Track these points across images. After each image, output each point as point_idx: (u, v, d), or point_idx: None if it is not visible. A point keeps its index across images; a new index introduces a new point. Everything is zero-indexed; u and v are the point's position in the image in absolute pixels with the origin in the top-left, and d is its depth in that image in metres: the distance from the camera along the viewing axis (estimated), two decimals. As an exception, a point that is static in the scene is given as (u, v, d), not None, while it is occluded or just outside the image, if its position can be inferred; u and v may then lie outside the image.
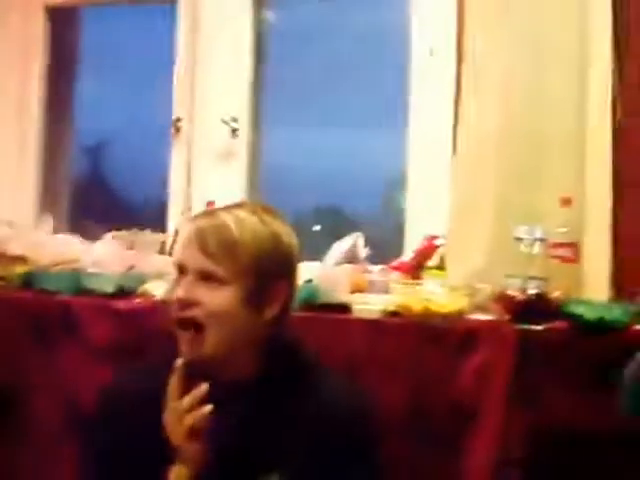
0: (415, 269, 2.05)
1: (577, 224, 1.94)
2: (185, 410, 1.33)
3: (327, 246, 2.19)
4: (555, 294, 1.77)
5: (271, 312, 1.41)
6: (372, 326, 1.78)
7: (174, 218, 2.56)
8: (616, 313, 1.69)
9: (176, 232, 2.29)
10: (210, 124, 2.63)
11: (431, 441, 1.70)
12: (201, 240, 1.38)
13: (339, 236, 2.23)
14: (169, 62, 2.67)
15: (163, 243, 2.24)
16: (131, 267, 2.01)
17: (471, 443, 1.67)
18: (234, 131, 2.61)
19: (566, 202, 1.90)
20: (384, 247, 2.31)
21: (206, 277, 1.37)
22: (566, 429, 1.66)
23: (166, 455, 1.34)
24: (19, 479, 1.87)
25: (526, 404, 1.67)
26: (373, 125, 2.60)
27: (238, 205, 1.47)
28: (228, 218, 1.40)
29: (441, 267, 2.03)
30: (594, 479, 1.66)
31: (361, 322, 1.80)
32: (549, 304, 1.75)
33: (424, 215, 2.31)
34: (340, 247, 2.19)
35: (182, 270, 1.40)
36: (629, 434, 1.59)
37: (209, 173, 2.62)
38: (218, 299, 1.36)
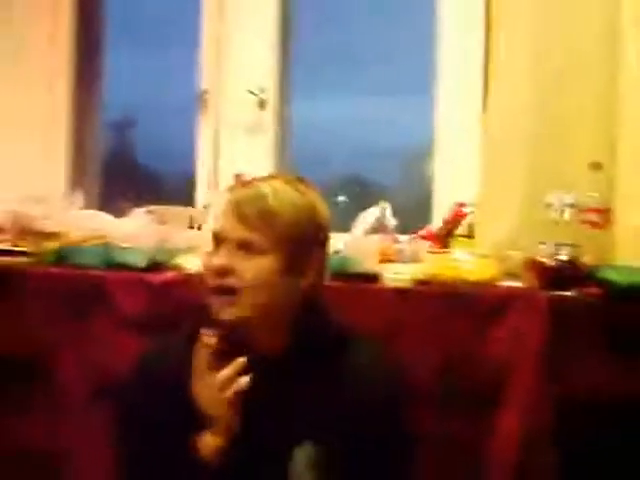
0: (444, 237, 2.04)
1: (608, 189, 1.92)
2: (225, 382, 1.35)
3: (353, 216, 2.19)
4: (586, 260, 1.75)
5: (307, 281, 1.42)
6: (402, 295, 1.78)
7: (202, 192, 2.57)
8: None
9: (206, 205, 2.31)
10: (237, 96, 2.63)
11: (461, 409, 1.70)
12: (239, 210, 1.39)
13: (365, 206, 2.23)
14: (195, 34, 2.66)
15: (192, 217, 2.25)
16: (162, 241, 2.02)
17: (501, 411, 1.67)
18: (261, 103, 2.60)
19: (597, 167, 1.87)
20: (411, 216, 2.30)
21: (244, 246, 1.38)
22: (597, 396, 1.65)
23: (194, 423, 1.37)
24: (50, 446, 1.90)
25: (558, 372, 1.67)
26: (400, 94, 2.59)
27: (272, 176, 1.49)
28: (265, 188, 1.41)
29: (470, 235, 2.03)
30: (631, 448, 1.66)
31: (391, 291, 1.80)
32: (580, 270, 1.74)
33: (452, 183, 2.30)
34: (368, 217, 2.19)
35: (220, 240, 1.41)
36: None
37: (237, 145, 2.62)
38: (256, 268, 1.37)
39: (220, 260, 1.39)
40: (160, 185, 2.99)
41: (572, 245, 1.77)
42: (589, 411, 1.64)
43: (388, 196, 2.31)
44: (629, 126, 1.93)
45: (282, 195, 1.41)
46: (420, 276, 1.82)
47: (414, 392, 1.50)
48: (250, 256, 1.38)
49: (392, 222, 2.19)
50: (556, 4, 2.02)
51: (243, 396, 1.36)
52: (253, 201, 1.40)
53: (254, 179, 1.47)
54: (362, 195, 2.58)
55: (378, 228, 2.16)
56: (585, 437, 1.65)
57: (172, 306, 1.83)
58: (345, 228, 2.16)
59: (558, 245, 1.77)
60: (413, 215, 2.34)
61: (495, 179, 2.06)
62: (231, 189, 1.48)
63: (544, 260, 1.75)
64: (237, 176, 2.21)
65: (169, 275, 1.90)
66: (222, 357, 1.37)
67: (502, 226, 1.97)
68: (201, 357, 1.37)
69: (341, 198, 2.60)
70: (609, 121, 1.96)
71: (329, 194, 2.51)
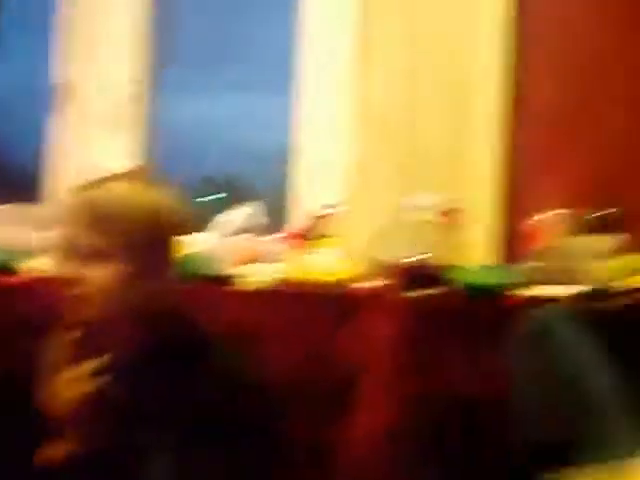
0: (307, 238, 2.04)
1: (466, 192, 1.98)
2: (77, 380, 1.31)
3: (220, 216, 2.16)
4: (442, 260, 1.79)
5: (157, 283, 1.38)
6: (261, 296, 1.77)
7: (60, 190, 2.47)
8: (500, 278, 1.73)
9: (61, 205, 2.21)
10: (103, 89, 2.55)
11: (319, 409, 1.71)
12: (84, 214, 1.35)
13: (233, 205, 2.20)
14: (61, 23, 2.56)
15: (46, 217, 2.16)
16: (11, 242, 1.94)
17: (358, 411, 1.68)
18: (130, 98, 2.54)
19: (454, 171, 1.93)
20: (277, 216, 2.30)
21: (90, 252, 1.33)
22: (455, 393, 1.69)
23: (45, 430, 1.32)
24: None
25: (417, 371, 1.70)
26: (268, 92, 2.57)
27: (124, 175, 1.44)
28: (112, 190, 1.37)
29: (333, 236, 2.03)
30: (482, 441, 1.70)
31: (250, 293, 1.79)
32: (437, 271, 1.77)
33: (317, 184, 2.31)
34: (235, 216, 2.17)
35: (67, 245, 1.36)
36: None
37: (99, 141, 2.54)
38: (103, 274, 1.33)
39: (65, 268, 1.35)
40: (17, 182, 2.86)
41: (430, 246, 1.81)
42: (448, 409, 1.68)
43: (257, 195, 2.30)
44: (487, 129, 2.00)
45: (129, 197, 1.37)
46: (280, 277, 1.82)
47: (273, 392, 1.49)
48: (96, 261, 1.34)
49: (260, 222, 2.18)
50: (427, 11, 2.08)
51: (97, 397, 1.32)
52: (98, 204, 1.36)
53: (103, 180, 1.42)
54: (231, 194, 2.54)
55: (246, 228, 2.14)
56: (442, 435, 1.69)
57: (20, 309, 1.77)
58: (212, 228, 2.13)
59: (417, 246, 1.80)
60: (280, 215, 2.33)
61: (360, 181, 2.09)
62: (79, 190, 1.43)
63: (402, 261, 1.78)
64: (89, 176, 2.14)
65: (18, 278, 1.83)
66: (76, 360, 1.33)
67: (365, 227, 2.01)
68: (54, 358, 1.33)
69: (209, 197, 2.56)
70: (468, 127, 2.02)
71: (196, 193, 2.47)
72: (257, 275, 1.84)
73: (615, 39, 2.11)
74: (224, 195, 2.41)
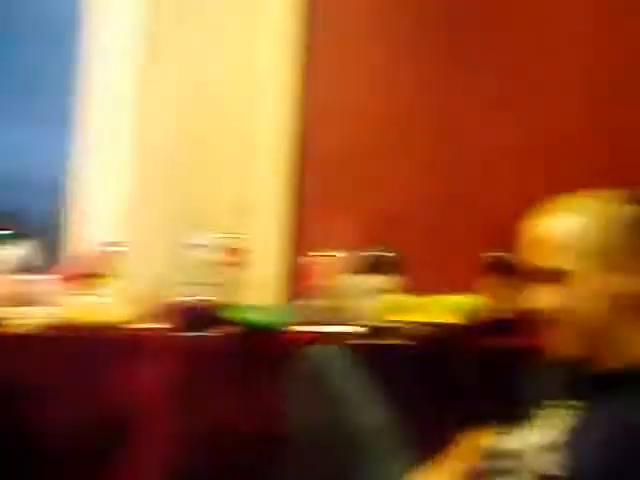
0: (84, 278, 1.95)
1: (250, 231, 1.99)
2: None
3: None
4: (224, 300, 1.78)
5: None
6: (31, 340, 1.67)
7: None
8: (278, 317, 1.75)
9: None
10: None
11: (94, 453, 1.63)
12: None
13: (7, 242, 2.07)
14: None
15: None
16: None
17: (135, 451, 1.63)
18: None
19: (238, 210, 1.94)
20: (53, 254, 2.18)
21: None
22: (233, 432, 1.68)
23: None
24: None
25: (195, 410, 1.67)
26: (48, 126, 2.46)
27: None
28: None
29: (112, 275, 1.96)
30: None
31: (19, 337, 1.68)
32: (216, 311, 1.76)
33: (96, 221, 2.22)
34: (6, 255, 2.03)
35: None
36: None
37: None
38: None
39: None
40: None
41: (213, 285, 1.79)
42: (226, 447, 1.66)
43: (31, 232, 2.17)
44: (272, 169, 2.03)
45: None
46: (54, 319, 1.72)
47: (42, 441, 1.40)
48: None
49: (37, 260, 2.06)
50: (213, 55, 2.09)
51: None
52: None
53: None
54: (6, 230, 2.38)
55: (20, 267, 2.01)
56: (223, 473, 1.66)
57: None
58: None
59: (200, 285, 1.78)
60: (54, 253, 2.22)
61: (142, 219, 2.05)
62: None
63: (183, 301, 1.75)
64: None
65: None
66: None
67: (145, 267, 1.96)
68: None
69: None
70: (252, 164, 2.04)
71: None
72: (27, 318, 1.73)
73: (405, 92, 2.23)
74: (4, 232, 2.25)
